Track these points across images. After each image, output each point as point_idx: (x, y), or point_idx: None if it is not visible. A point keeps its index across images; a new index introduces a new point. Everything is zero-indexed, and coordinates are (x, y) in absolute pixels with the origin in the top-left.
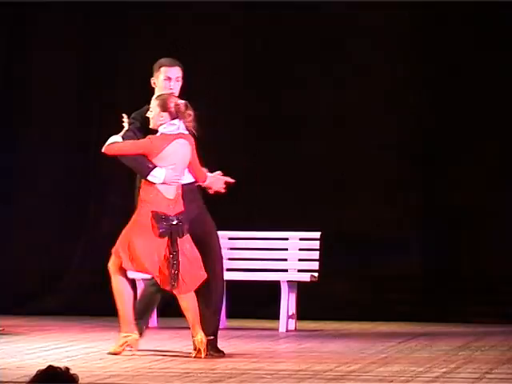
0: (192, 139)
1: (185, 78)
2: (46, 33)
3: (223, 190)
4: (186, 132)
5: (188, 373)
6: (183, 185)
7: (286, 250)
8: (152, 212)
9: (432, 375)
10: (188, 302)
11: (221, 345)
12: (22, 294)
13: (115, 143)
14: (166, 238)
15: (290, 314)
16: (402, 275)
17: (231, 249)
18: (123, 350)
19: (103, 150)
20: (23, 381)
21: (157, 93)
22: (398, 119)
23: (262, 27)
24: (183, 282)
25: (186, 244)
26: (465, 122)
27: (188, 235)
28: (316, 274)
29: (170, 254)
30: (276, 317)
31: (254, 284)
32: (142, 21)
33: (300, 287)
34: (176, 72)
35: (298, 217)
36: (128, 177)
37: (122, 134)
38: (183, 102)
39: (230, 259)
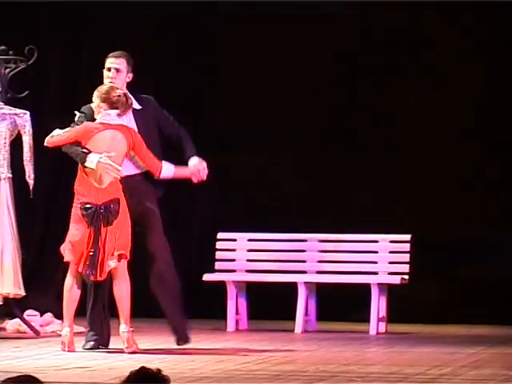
0: (130, 132)
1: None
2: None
3: (204, 178)
4: (128, 124)
5: (278, 375)
6: (124, 176)
7: (377, 252)
8: (81, 203)
9: None
10: (121, 291)
11: (311, 347)
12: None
13: (54, 136)
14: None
15: (380, 316)
16: (494, 277)
17: (321, 251)
18: None
19: (45, 144)
20: (115, 382)
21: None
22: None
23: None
24: (103, 269)
25: (116, 230)
26: None
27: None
28: (406, 277)
29: (91, 242)
30: (366, 319)
31: (345, 287)
32: None
33: (390, 290)
34: (115, 63)
35: (388, 219)
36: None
37: (67, 129)
38: (122, 92)
39: (319, 262)
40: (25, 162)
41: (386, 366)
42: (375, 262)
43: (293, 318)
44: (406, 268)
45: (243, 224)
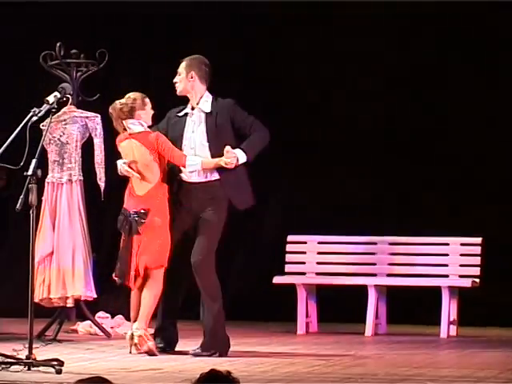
0: (148, 138)
1: None
2: None
3: (232, 164)
4: (198, 126)
5: (349, 378)
6: (197, 182)
7: (447, 255)
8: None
9: None
10: (145, 293)
11: (381, 350)
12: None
13: None
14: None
15: (451, 319)
16: None
17: (391, 254)
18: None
19: None
20: None
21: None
22: None
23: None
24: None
25: (144, 238)
26: None
27: (152, 231)
28: (477, 280)
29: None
30: (437, 323)
31: (415, 289)
32: None
33: (461, 293)
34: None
35: (459, 221)
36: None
37: None
38: (122, 105)
39: (390, 264)
40: (96, 165)
41: (458, 369)
42: (446, 265)
43: (363, 320)
44: (476, 271)
45: (313, 227)
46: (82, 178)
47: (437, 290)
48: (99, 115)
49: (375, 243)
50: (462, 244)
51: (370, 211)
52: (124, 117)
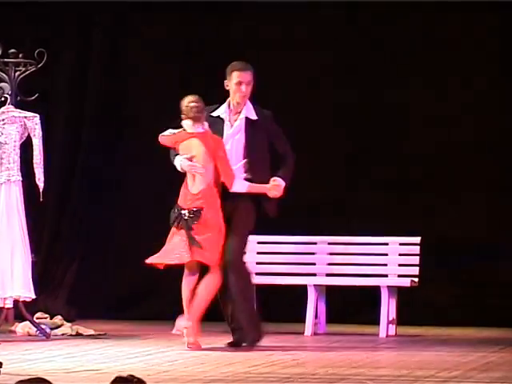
0: (210, 141)
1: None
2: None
3: (279, 195)
4: (237, 132)
5: (288, 378)
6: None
7: (386, 255)
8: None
9: None
10: (201, 288)
11: (320, 349)
12: (124, 298)
13: (165, 135)
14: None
15: (390, 319)
16: (505, 280)
17: (331, 254)
18: None
19: (158, 138)
20: None
21: (230, 95)
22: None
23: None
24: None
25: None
26: None
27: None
28: (416, 279)
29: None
30: (376, 322)
31: (354, 289)
32: None
33: (400, 292)
34: (247, 76)
35: (397, 221)
36: None
37: (178, 130)
38: (194, 104)
39: (329, 264)
40: (35, 165)
41: (396, 369)
42: (385, 265)
43: (303, 320)
44: (415, 270)
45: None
46: (20, 178)
47: (376, 290)
48: (38, 115)
49: (315, 243)
50: (401, 244)
51: (310, 211)
52: (192, 116)
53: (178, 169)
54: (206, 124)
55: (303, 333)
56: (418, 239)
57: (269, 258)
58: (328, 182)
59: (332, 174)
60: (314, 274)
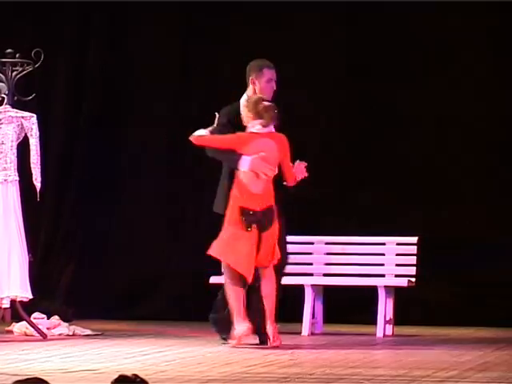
0: (281, 139)
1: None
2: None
3: (306, 175)
4: (274, 131)
5: (286, 378)
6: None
7: (383, 255)
8: (239, 207)
9: None
10: (266, 290)
11: (318, 349)
12: (122, 298)
13: (204, 136)
14: (254, 232)
15: (387, 319)
16: (503, 280)
17: (328, 254)
18: None
19: (191, 138)
20: None
21: (258, 92)
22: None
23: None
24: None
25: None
26: None
27: (274, 227)
28: (413, 279)
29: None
30: (373, 322)
31: (351, 289)
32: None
33: (397, 292)
34: (274, 74)
35: (395, 221)
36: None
37: (210, 128)
38: (270, 104)
39: (326, 264)
40: (32, 165)
41: (393, 369)
42: (382, 265)
43: (300, 320)
44: (412, 270)
45: None
46: (17, 178)
47: (373, 290)
48: (35, 115)
49: (312, 243)
50: (398, 244)
51: (307, 211)
52: (272, 115)
53: (245, 169)
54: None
55: (300, 333)
56: (415, 239)
57: None
58: (325, 181)
59: (329, 173)
60: (311, 274)
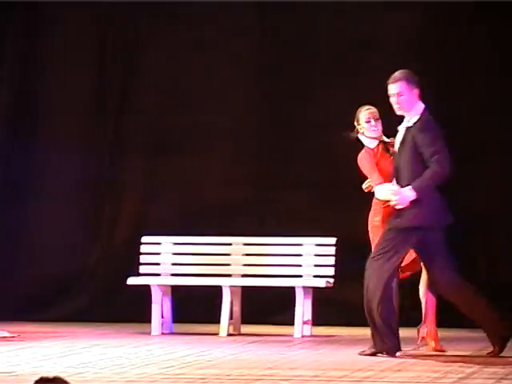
0: (364, 150)
1: None
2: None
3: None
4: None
5: (203, 378)
6: None
7: (301, 255)
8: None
9: (448, 381)
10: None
11: (236, 350)
12: (37, 300)
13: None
14: None
15: (305, 319)
16: (417, 280)
17: (246, 254)
18: None
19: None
20: None
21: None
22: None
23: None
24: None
25: None
26: None
27: None
28: (331, 280)
29: None
30: (291, 323)
31: (270, 290)
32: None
33: (315, 293)
34: (392, 89)
35: (313, 222)
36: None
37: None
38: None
39: (244, 265)
40: None
41: (311, 369)
42: (300, 265)
43: (218, 321)
44: (331, 271)
45: (168, 228)
46: None
47: (291, 290)
48: None
49: (230, 244)
50: (317, 244)
51: (224, 212)
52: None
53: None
54: None
55: (218, 334)
56: (333, 240)
57: (184, 258)
58: (243, 182)
59: (246, 174)
60: (230, 275)
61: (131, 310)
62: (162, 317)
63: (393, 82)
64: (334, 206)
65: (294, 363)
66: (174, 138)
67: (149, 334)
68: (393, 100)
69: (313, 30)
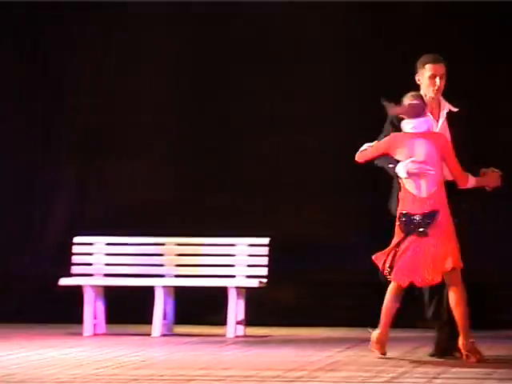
0: (439, 138)
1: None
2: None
3: (498, 184)
4: (438, 128)
5: (136, 379)
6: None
7: (234, 255)
8: (400, 212)
9: (380, 380)
10: (452, 300)
11: (169, 351)
12: None
13: (364, 150)
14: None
15: (238, 319)
16: (351, 281)
17: (179, 255)
18: None
19: (356, 159)
20: None
21: (422, 89)
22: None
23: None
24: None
25: (430, 242)
26: None
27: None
28: (264, 280)
29: (400, 248)
30: (224, 323)
31: (203, 290)
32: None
33: (248, 293)
34: (440, 69)
35: (246, 222)
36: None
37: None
38: (415, 102)
39: (177, 265)
40: None
41: (244, 369)
42: (233, 266)
43: (151, 321)
44: (264, 271)
45: (101, 228)
46: None
47: (224, 291)
48: None
49: (163, 244)
50: (250, 245)
51: (157, 212)
52: (413, 116)
53: (403, 175)
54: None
55: (151, 334)
56: (266, 240)
57: (117, 259)
58: (176, 182)
59: (180, 174)
60: (162, 276)
61: (63, 311)
62: (95, 318)
63: (441, 62)
64: (267, 205)
65: (227, 363)
66: (107, 139)
67: (81, 335)
68: (436, 81)
69: (242, 26)
